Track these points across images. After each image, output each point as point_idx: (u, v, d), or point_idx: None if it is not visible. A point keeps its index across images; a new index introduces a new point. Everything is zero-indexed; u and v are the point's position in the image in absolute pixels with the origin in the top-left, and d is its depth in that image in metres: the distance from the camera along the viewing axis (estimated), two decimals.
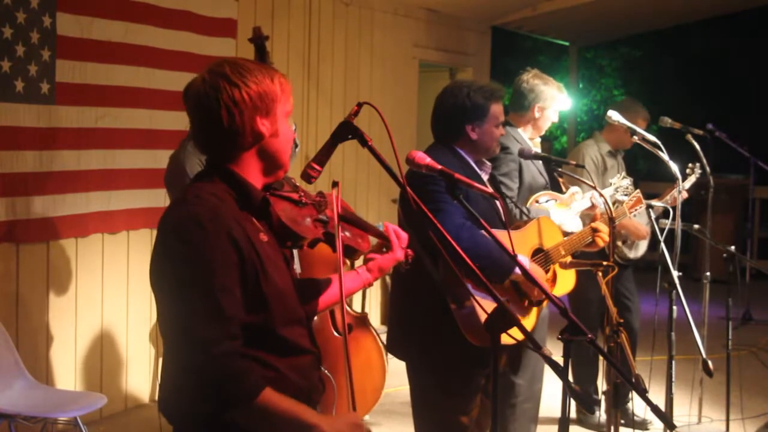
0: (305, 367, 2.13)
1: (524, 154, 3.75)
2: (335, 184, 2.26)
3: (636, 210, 4.01)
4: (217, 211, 1.95)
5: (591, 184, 3.58)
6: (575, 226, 3.79)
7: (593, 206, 3.98)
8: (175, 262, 1.92)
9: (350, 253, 2.27)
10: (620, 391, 4.10)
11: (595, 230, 3.58)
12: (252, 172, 2.07)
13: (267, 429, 1.96)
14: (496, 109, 3.30)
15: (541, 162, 4.07)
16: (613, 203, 4.00)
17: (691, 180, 4.82)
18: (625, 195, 4.05)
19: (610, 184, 4.12)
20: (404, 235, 2.35)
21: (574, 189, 3.95)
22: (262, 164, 2.09)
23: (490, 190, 2.39)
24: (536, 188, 3.98)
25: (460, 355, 3.12)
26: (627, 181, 4.09)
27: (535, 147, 4.17)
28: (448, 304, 3.05)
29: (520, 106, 4.13)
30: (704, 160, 4.76)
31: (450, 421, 3.24)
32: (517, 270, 3.04)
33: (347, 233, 2.25)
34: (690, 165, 4.77)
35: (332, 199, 2.22)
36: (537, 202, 3.89)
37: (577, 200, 3.92)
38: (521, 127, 4.13)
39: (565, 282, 3.49)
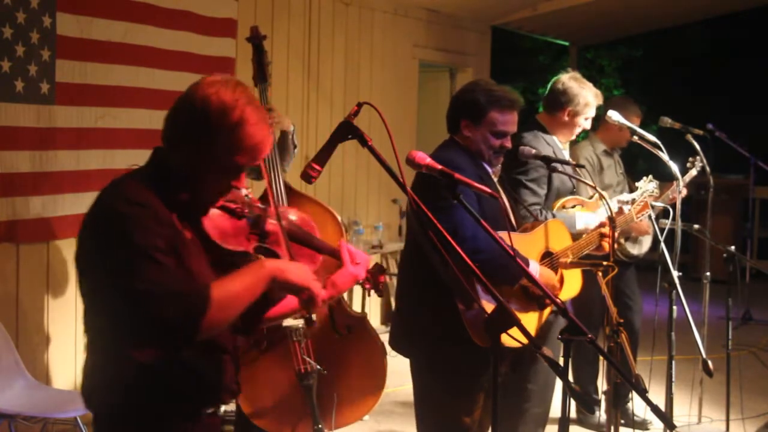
0: (220, 363, 2.16)
1: (524, 154, 3.73)
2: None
3: (643, 215, 3.99)
4: (144, 196, 2.01)
5: (591, 184, 3.58)
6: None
7: (620, 211, 3.94)
8: (113, 242, 1.97)
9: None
10: (620, 391, 4.11)
11: (603, 235, 3.58)
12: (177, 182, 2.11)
13: (237, 311, 2.00)
14: (497, 116, 3.21)
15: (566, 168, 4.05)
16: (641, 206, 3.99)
17: (692, 174, 4.81)
18: (651, 196, 4.04)
19: (637, 187, 4.09)
20: (363, 256, 2.34)
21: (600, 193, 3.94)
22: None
23: (489, 190, 2.38)
24: (563, 192, 3.96)
25: (465, 356, 3.11)
26: (653, 185, 4.06)
27: (565, 150, 4.13)
28: (455, 304, 3.04)
29: (551, 107, 4.09)
30: (704, 160, 4.76)
31: (453, 422, 3.24)
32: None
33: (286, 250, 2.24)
34: (690, 159, 4.77)
35: (277, 212, 2.22)
36: (564, 207, 3.87)
37: (603, 205, 3.91)
38: (552, 130, 4.07)
39: (571, 285, 3.49)
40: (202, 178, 2.07)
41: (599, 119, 4.67)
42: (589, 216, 3.84)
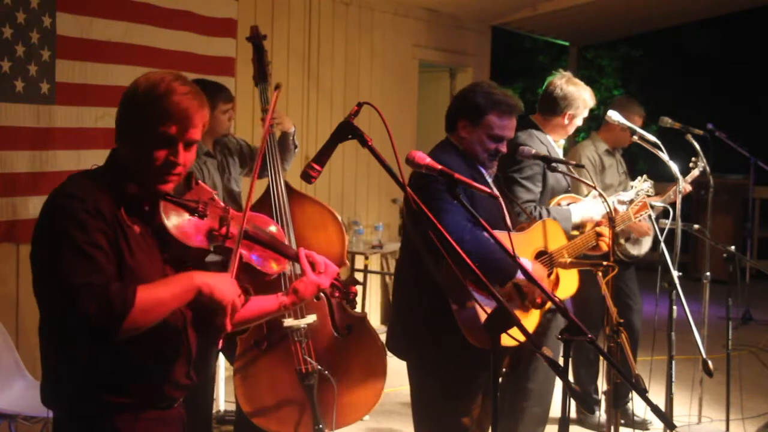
0: (167, 359, 2.19)
1: (523, 154, 3.74)
2: (277, 87, 2.36)
3: (641, 215, 4.00)
4: (84, 188, 2.08)
5: (591, 184, 3.58)
6: (598, 216, 3.78)
7: (615, 211, 3.94)
8: (48, 230, 2.03)
9: (252, 273, 2.29)
10: (620, 391, 4.11)
11: (599, 234, 3.58)
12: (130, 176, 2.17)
13: (160, 316, 2.04)
14: (495, 120, 3.21)
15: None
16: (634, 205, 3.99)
17: (694, 174, 4.81)
18: (648, 195, 4.04)
19: (631, 187, 4.10)
20: (329, 267, 2.36)
21: (595, 192, 3.94)
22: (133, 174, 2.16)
23: (488, 190, 2.38)
24: (558, 191, 3.96)
25: (462, 356, 3.11)
26: (648, 184, 4.07)
27: (559, 149, 4.15)
28: (449, 304, 3.04)
29: (550, 111, 4.10)
30: (705, 160, 4.76)
31: (451, 423, 3.24)
32: (520, 273, 3.03)
33: (247, 252, 2.27)
34: (693, 159, 4.77)
35: (239, 217, 2.25)
36: (559, 205, 3.88)
37: (600, 203, 3.91)
38: (546, 130, 4.10)
39: (568, 285, 3.49)
40: (143, 157, 2.12)
41: (601, 119, 4.66)
42: (584, 206, 3.83)
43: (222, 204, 2.31)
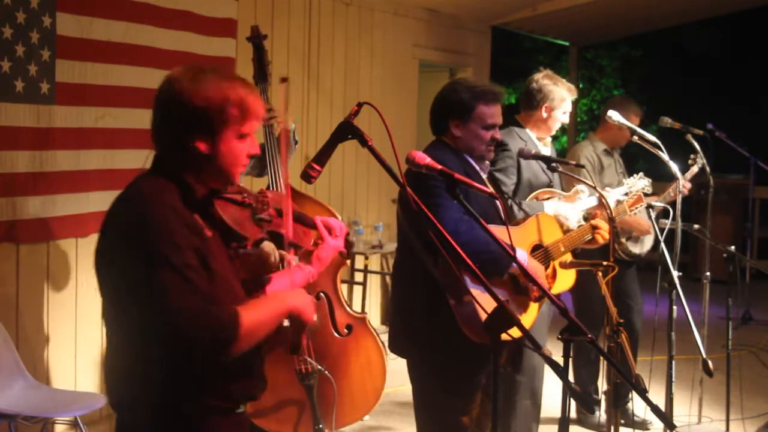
0: (253, 363, 2.20)
1: (523, 154, 3.75)
2: (284, 80, 2.37)
3: (636, 208, 4.00)
4: (166, 202, 2.03)
5: (591, 184, 3.58)
6: (575, 222, 3.79)
7: (601, 206, 3.96)
8: (139, 251, 1.97)
9: (296, 249, 2.33)
10: (620, 391, 4.11)
11: (594, 227, 3.58)
12: (193, 177, 2.12)
13: (259, 340, 2.07)
14: (485, 110, 3.23)
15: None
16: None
17: (693, 171, 4.81)
18: (646, 194, 4.04)
19: (624, 184, 4.10)
20: (340, 227, 2.44)
21: (580, 187, 3.94)
22: (203, 175, 2.13)
23: (489, 189, 2.39)
24: (537, 186, 3.98)
25: (461, 353, 3.12)
26: (644, 182, 4.07)
27: (546, 147, 4.16)
28: (448, 302, 3.05)
29: (528, 106, 4.15)
30: (705, 160, 4.76)
31: (451, 421, 3.24)
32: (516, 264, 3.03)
33: (287, 232, 2.30)
34: (692, 156, 4.78)
35: (275, 197, 2.29)
36: (536, 199, 3.88)
37: (583, 199, 3.91)
38: (529, 127, 4.13)
39: (564, 279, 3.49)
40: (234, 153, 2.11)
41: (600, 119, 4.66)
42: (560, 204, 3.84)
43: (250, 190, 2.31)
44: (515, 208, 3.70)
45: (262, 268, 2.28)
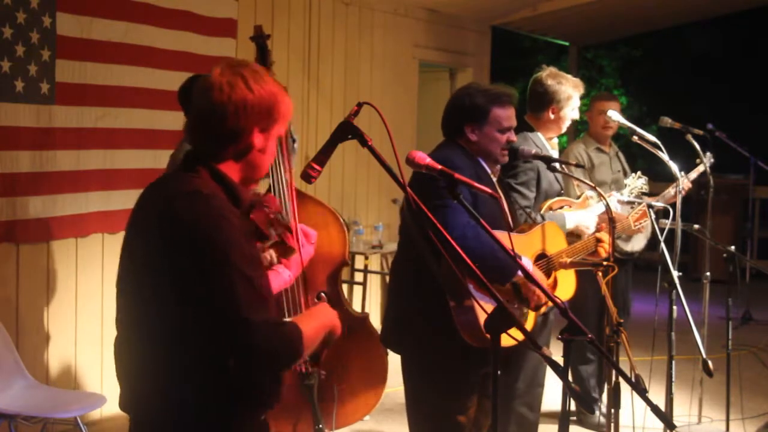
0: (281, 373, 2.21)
1: (524, 154, 3.74)
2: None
3: (640, 223, 3.99)
4: (229, 208, 2.00)
5: (590, 184, 3.58)
6: (594, 228, 3.78)
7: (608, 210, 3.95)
8: (212, 259, 1.92)
9: (290, 252, 2.40)
10: (620, 392, 4.11)
11: (599, 240, 3.59)
12: (233, 176, 2.09)
13: (311, 352, 2.12)
14: (500, 113, 3.24)
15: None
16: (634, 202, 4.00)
17: (699, 170, 4.80)
18: (639, 196, 4.04)
19: (626, 185, 4.10)
20: (312, 233, 2.50)
21: (589, 193, 3.93)
22: (243, 173, 2.11)
23: (489, 190, 2.39)
24: (551, 194, 3.96)
25: (456, 353, 3.12)
26: (642, 181, 4.07)
27: (553, 148, 4.15)
28: (447, 301, 3.04)
29: (535, 108, 4.09)
30: (705, 160, 4.76)
31: (445, 421, 3.24)
32: (520, 273, 3.03)
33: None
34: (698, 159, 4.79)
35: (269, 197, 2.33)
36: (551, 209, 3.87)
37: (592, 204, 3.90)
38: (539, 128, 4.09)
39: (565, 287, 3.49)
40: (269, 149, 2.12)
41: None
42: (579, 214, 3.83)
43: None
44: (538, 219, 3.67)
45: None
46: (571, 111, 4.10)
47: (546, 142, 4.08)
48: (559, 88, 4.05)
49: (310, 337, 2.05)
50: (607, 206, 3.52)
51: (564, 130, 4.17)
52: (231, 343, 1.92)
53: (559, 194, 4.01)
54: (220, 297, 1.92)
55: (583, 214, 3.82)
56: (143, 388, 2.07)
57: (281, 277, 2.43)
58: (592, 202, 3.90)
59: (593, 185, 3.57)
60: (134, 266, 2.05)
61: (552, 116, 4.06)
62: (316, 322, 2.13)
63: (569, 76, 4.15)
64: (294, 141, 4.12)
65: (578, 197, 4.09)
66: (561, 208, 3.87)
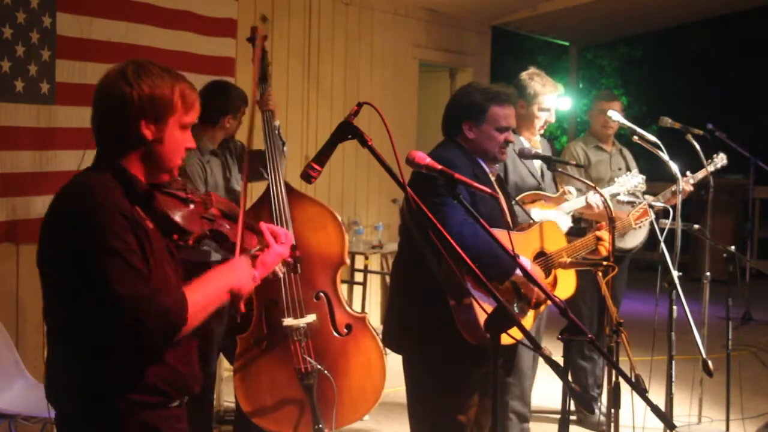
0: (188, 354, 2.22)
1: (524, 154, 3.75)
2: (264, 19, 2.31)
3: (642, 222, 4.00)
4: (108, 194, 2.06)
5: (590, 183, 3.58)
6: (564, 225, 3.79)
7: (589, 206, 4.00)
8: (85, 242, 2.00)
9: (229, 246, 2.35)
10: (620, 391, 4.11)
11: (599, 239, 3.59)
12: (136, 170, 2.16)
13: (202, 321, 2.11)
14: (498, 111, 3.25)
15: (534, 164, 4.07)
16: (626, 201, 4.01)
17: (709, 169, 4.80)
18: (633, 196, 4.04)
19: (615, 181, 4.11)
20: (287, 235, 2.44)
21: (567, 188, 3.95)
22: (145, 165, 2.17)
23: (488, 190, 2.39)
24: (524, 189, 3.98)
25: (457, 352, 3.12)
26: (638, 179, 4.07)
27: (535, 147, 4.16)
28: (447, 301, 3.05)
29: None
30: (705, 160, 4.76)
31: (445, 419, 3.24)
32: (518, 271, 3.03)
33: (230, 228, 2.34)
34: (721, 154, 4.80)
35: (218, 199, 2.36)
36: (523, 202, 3.88)
37: (569, 200, 3.92)
38: (518, 126, 4.10)
39: (565, 287, 3.49)
40: (166, 140, 2.15)
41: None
42: (546, 212, 3.84)
43: (195, 189, 2.35)
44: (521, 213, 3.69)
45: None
46: (538, 110, 4.13)
47: (525, 141, 4.11)
48: (528, 84, 4.13)
49: (199, 302, 2.06)
50: (608, 207, 3.52)
51: (538, 130, 4.18)
52: (107, 321, 1.98)
53: (537, 188, 4.03)
54: (92, 276, 1.98)
55: (549, 213, 3.83)
56: (51, 380, 2.18)
57: (234, 275, 2.29)
58: (569, 197, 3.91)
59: (593, 185, 3.58)
60: (39, 267, 2.15)
61: (522, 111, 4.11)
62: (208, 287, 2.13)
63: (548, 78, 4.20)
64: (283, 144, 4.07)
65: (559, 194, 4.11)
66: (533, 201, 3.88)
